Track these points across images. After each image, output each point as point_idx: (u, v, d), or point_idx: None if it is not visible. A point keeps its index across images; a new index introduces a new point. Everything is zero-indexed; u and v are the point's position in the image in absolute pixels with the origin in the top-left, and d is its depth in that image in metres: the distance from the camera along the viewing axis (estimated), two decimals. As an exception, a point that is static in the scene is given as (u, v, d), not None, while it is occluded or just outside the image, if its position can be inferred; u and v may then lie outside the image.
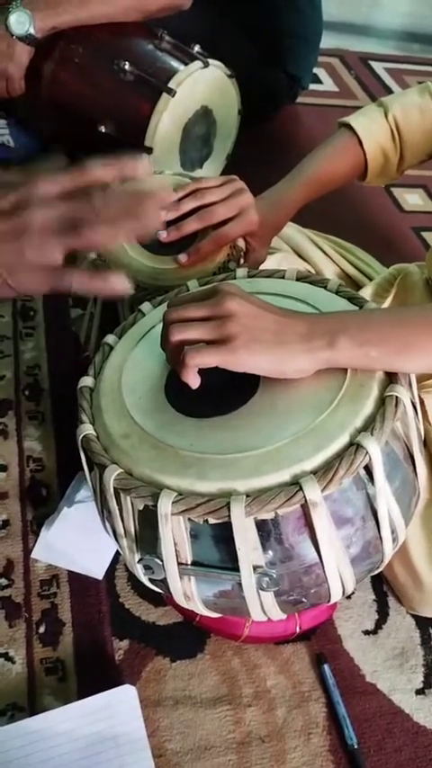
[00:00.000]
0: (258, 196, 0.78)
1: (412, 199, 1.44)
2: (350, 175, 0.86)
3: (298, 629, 0.68)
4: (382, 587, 0.76)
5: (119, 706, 0.63)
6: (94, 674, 0.66)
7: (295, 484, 0.45)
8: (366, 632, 0.73)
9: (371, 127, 0.84)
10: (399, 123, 0.84)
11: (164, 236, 0.72)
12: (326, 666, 0.69)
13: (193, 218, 0.72)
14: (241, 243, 0.77)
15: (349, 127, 0.84)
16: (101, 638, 0.69)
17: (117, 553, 0.74)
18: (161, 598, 0.72)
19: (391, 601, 0.75)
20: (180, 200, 0.73)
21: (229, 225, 0.72)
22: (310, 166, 0.83)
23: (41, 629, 0.69)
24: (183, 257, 0.71)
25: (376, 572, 0.57)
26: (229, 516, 0.45)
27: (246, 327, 0.48)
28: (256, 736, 0.64)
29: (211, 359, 0.48)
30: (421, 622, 0.74)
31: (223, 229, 0.72)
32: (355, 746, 0.64)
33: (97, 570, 0.73)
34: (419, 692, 0.69)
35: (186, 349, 0.49)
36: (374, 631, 0.73)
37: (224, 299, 0.50)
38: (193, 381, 0.50)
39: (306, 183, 0.82)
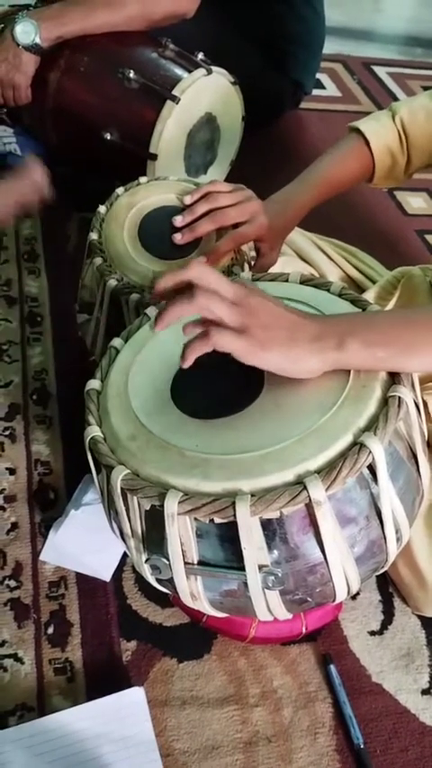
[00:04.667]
0: (268, 199, 0.79)
1: (416, 202, 1.45)
2: (359, 177, 0.87)
3: (304, 630, 0.68)
4: (388, 588, 0.77)
5: (128, 708, 0.64)
6: (102, 675, 0.67)
7: (299, 483, 0.46)
8: (372, 633, 0.73)
9: (378, 129, 0.85)
10: (405, 125, 0.85)
11: (178, 238, 0.73)
12: (332, 667, 0.69)
13: (206, 219, 0.73)
14: (245, 248, 0.78)
15: (358, 131, 0.85)
16: (108, 639, 0.69)
17: (124, 555, 0.75)
18: (168, 599, 0.73)
19: (397, 602, 0.76)
20: (193, 204, 0.74)
21: (243, 227, 0.73)
22: (320, 169, 0.84)
23: (50, 630, 0.69)
24: (201, 260, 0.72)
25: (381, 572, 0.58)
26: (235, 516, 0.46)
27: (264, 325, 0.49)
28: (263, 735, 0.64)
29: (230, 345, 0.49)
30: (427, 623, 0.74)
31: (239, 230, 0.73)
32: (362, 746, 0.64)
33: (104, 572, 0.73)
34: (425, 692, 0.69)
35: (212, 327, 0.49)
36: (380, 632, 0.73)
37: (251, 293, 0.51)
38: (191, 360, 0.50)
39: (316, 186, 0.83)
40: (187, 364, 0.50)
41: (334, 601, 0.55)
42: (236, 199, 0.74)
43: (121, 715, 0.63)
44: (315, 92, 1.62)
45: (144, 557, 0.54)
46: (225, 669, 0.69)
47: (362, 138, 0.85)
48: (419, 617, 0.75)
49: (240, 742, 0.64)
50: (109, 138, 1.07)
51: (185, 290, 0.51)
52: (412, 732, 0.66)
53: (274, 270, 0.82)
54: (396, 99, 1.83)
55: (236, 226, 0.74)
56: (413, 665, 0.71)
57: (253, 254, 0.83)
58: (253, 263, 0.81)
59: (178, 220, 0.74)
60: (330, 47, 1.64)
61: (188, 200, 0.76)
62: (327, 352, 0.50)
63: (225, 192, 0.75)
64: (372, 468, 0.48)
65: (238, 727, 0.65)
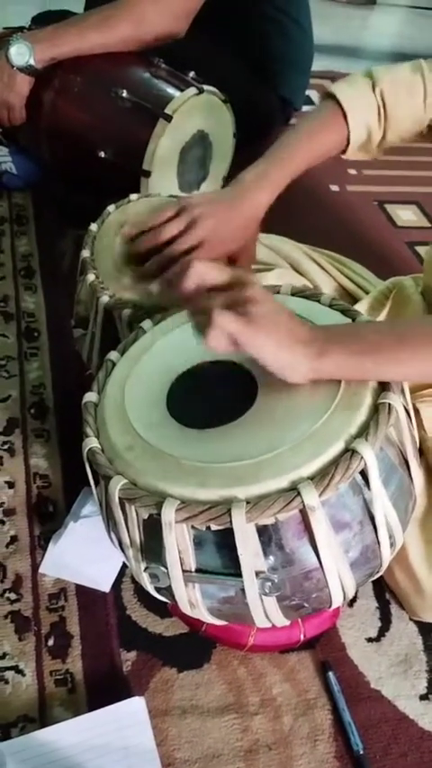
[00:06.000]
0: (241, 174, 0.76)
1: (405, 215, 1.47)
2: (334, 150, 0.82)
3: (302, 638, 0.69)
4: (385, 595, 0.77)
5: (128, 718, 0.64)
6: (102, 685, 0.67)
7: (293, 490, 0.47)
8: (370, 639, 0.74)
9: (357, 100, 0.79)
10: (385, 99, 0.79)
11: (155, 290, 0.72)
12: (331, 674, 0.69)
13: (151, 262, 0.72)
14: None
15: (335, 98, 0.79)
16: (108, 650, 0.70)
17: (123, 566, 0.75)
18: (167, 610, 0.73)
19: (394, 608, 0.76)
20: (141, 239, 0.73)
21: (195, 253, 0.71)
22: (295, 141, 0.79)
23: (50, 642, 0.70)
24: (155, 287, 0.71)
25: (376, 577, 0.59)
26: (231, 522, 0.47)
27: (264, 315, 0.51)
28: (264, 743, 0.65)
29: (234, 326, 0.50)
30: (424, 629, 0.75)
31: (188, 258, 0.70)
32: (361, 752, 0.65)
33: (104, 583, 0.74)
34: (423, 697, 0.70)
35: (218, 311, 0.50)
36: (378, 639, 0.74)
37: (253, 284, 0.52)
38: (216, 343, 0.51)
39: (292, 159, 0.78)
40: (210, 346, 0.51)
41: (330, 606, 0.56)
42: (181, 225, 0.71)
43: (122, 725, 0.64)
44: (305, 108, 1.64)
45: (143, 566, 0.54)
46: (224, 678, 0.69)
47: (339, 109, 0.78)
48: (416, 623, 0.75)
49: (241, 750, 0.64)
50: (103, 156, 1.09)
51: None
52: (411, 737, 0.67)
53: (267, 282, 0.83)
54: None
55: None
56: (411, 671, 0.71)
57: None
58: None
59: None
60: (319, 63, 1.66)
61: (142, 247, 0.73)
62: (310, 359, 0.51)
63: (170, 221, 0.72)
64: (364, 474, 0.49)
65: (239, 736, 0.65)
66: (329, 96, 0.80)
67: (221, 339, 0.50)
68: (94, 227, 0.80)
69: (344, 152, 0.84)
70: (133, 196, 0.84)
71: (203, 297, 0.53)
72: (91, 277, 0.75)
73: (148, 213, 0.80)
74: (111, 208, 0.83)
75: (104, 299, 0.73)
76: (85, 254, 0.77)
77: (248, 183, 0.76)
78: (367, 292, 0.94)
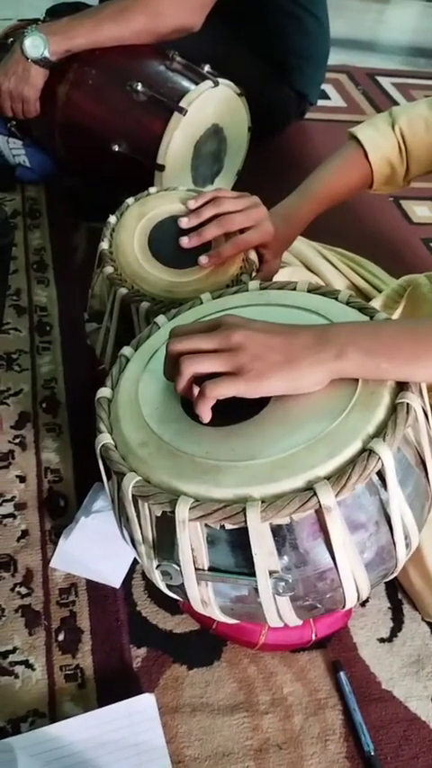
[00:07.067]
0: (269, 210, 0.80)
1: (421, 211, 1.46)
2: (358, 187, 0.88)
3: (313, 637, 0.69)
4: (397, 595, 0.77)
5: (138, 714, 0.64)
6: (112, 681, 0.67)
7: (309, 489, 0.46)
8: (381, 640, 0.73)
9: (378, 140, 0.85)
10: (405, 135, 0.85)
11: (185, 241, 0.74)
12: (342, 674, 0.69)
13: (213, 223, 0.74)
14: (253, 256, 0.79)
15: (357, 139, 0.86)
16: (119, 646, 0.70)
17: (134, 562, 0.75)
18: (178, 606, 0.73)
19: (406, 609, 0.76)
20: (199, 208, 0.75)
21: (248, 232, 0.74)
22: (320, 180, 0.85)
23: (60, 637, 0.70)
24: (203, 259, 0.73)
25: (390, 578, 0.58)
26: (245, 521, 0.46)
27: (256, 356, 0.50)
28: (274, 742, 0.65)
29: (229, 390, 0.50)
30: (436, 630, 0.75)
31: (243, 236, 0.74)
32: (372, 753, 0.64)
33: (115, 579, 0.74)
34: (436, 699, 0.69)
35: (205, 383, 0.50)
36: (390, 639, 0.73)
37: (231, 331, 0.51)
38: (208, 414, 0.51)
39: (316, 198, 0.84)
40: (207, 419, 0.51)
41: (344, 607, 0.55)
42: (242, 204, 0.75)
43: (132, 721, 0.64)
44: (320, 102, 1.63)
45: (155, 563, 0.54)
46: (235, 676, 0.69)
47: (360, 149, 0.85)
48: (429, 624, 0.75)
49: (251, 749, 0.64)
50: (117, 149, 1.08)
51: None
52: (423, 739, 0.66)
53: (281, 280, 0.83)
54: (400, 109, 1.84)
55: (242, 232, 0.75)
56: (423, 672, 0.71)
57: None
58: (254, 273, 0.81)
59: (184, 222, 0.75)
60: (335, 58, 1.65)
61: (192, 204, 0.77)
62: (327, 362, 0.50)
63: (231, 198, 0.76)
64: (381, 475, 0.48)
65: (249, 734, 0.65)
66: (352, 137, 0.86)
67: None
68: (112, 219, 0.80)
69: (370, 187, 0.89)
70: (152, 189, 0.83)
71: (174, 340, 0.53)
72: (109, 269, 0.74)
73: (170, 206, 0.80)
74: (130, 200, 0.82)
75: (122, 291, 0.72)
76: (104, 246, 0.77)
77: (280, 217, 0.80)
78: (380, 291, 0.93)
